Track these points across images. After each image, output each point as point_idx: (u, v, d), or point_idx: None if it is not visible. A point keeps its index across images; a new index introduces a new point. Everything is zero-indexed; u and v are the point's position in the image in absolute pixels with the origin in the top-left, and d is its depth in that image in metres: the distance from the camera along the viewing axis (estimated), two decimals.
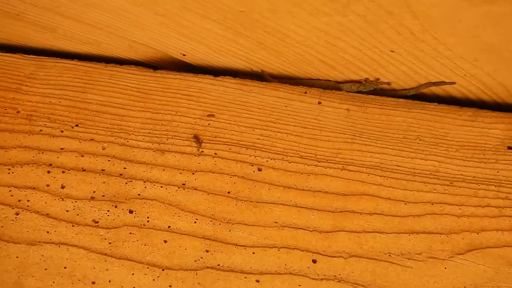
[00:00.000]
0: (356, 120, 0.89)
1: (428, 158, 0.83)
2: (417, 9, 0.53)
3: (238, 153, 0.89)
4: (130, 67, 1.00)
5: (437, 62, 0.71)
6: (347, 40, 0.69)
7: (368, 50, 0.72)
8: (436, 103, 0.88)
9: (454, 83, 0.81)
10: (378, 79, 0.88)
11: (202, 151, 0.90)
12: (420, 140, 0.85)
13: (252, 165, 0.88)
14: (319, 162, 0.86)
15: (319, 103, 0.92)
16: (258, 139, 0.90)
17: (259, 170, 0.87)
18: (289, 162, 0.87)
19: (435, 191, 0.80)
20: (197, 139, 0.92)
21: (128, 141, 0.92)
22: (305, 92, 0.93)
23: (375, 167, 0.84)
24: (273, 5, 0.59)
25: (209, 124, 0.92)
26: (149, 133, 0.93)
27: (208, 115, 0.93)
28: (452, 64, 0.71)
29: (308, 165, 0.86)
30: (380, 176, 0.83)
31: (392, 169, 0.83)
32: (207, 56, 0.94)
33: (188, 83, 0.97)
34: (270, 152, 0.88)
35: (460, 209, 0.78)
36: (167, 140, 0.92)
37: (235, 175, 0.87)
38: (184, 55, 0.96)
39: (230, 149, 0.90)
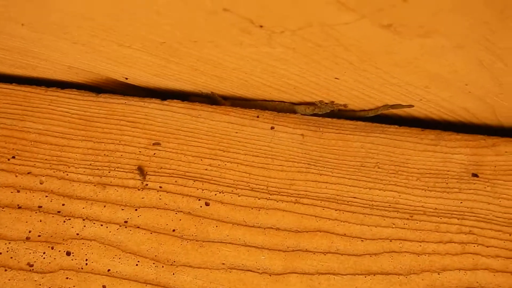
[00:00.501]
0: (311, 147, 0.82)
1: (387, 188, 0.76)
2: (347, 43, 0.47)
3: (185, 186, 0.82)
4: (71, 91, 0.93)
5: (387, 88, 0.64)
6: (285, 68, 0.62)
7: (311, 77, 0.65)
8: (396, 126, 0.81)
9: (412, 106, 0.74)
10: (333, 101, 0.81)
11: (147, 184, 0.83)
12: (379, 168, 0.78)
13: (199, 199, 0.81)
14: (270, 195, 0.79)
15: (272, 128, 0.85)
16: (206, 169, 0.83)
17: (207, 204, 0.81)
18: (239, 196, 0.80)
19: (394, 226, 0.73)
20: (141, 171, 0.85)
21: (67, 174, 0.85)
22: (257, 116, 0.86)
23: (330, 200, 0.77)
24: (190, 36, 0.52)
25: (154, 154, 0.86)
26: (90, 165, 0.86)
27: (153, 144, 0.86)
28: (403, 90, 0.64)
29: (259, 199, 0.79)
30: (336, 210, 0.76)
31: (348, 202, 0.77)
32: (149, 79, 0.87)
33: (133, 108, 0.90)
34: (219, 184, 0.81)
35: (421, 245, 0.71)
36: (109, 172, 0.85)
37: (181, 211, 0.81)
38: (126, 78, 0.89)
39: (176, 181, 0.83)
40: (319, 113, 0.84)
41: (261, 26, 0.43)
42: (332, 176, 0.79)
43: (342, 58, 0.52)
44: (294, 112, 0.88)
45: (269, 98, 0.88)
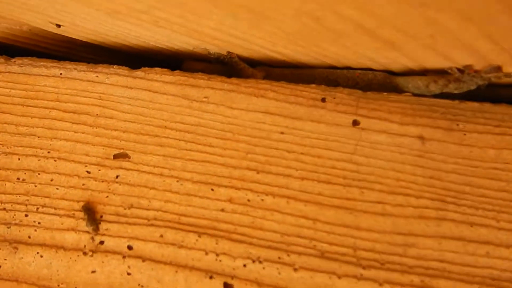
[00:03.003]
0: (441, 163, 0.40)
1: None
2: None
3: (181, 246, 0.40)
4: None
5: None
6: None
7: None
8: None
9: None
10: (496, 66, 0.38)
11: (101, 242, 0.41)
12: None
13: (210, 277, 0.39)
14: (364, 268, 0.37)
15: (356, 123, 0.42)
16: (223, 210, 0.41)
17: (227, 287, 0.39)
18: (295, 269, 0.38)
19: None
20: (89, 213, 0.42)
21: None
22: (323, 99, 0.43)
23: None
24: None
25: (117, 176, 0.43)
26: None
27: (115, 156, 0.44)
28: None
29: (337, 276, 0.37)
30: None
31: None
32: (100, 28, 0.43)
33: (74, 85, 0.47)
34: (250, 244, 0.39)
35: None
36: (27, 216, 0.42)
37: None
38: (58, 25, 0.46)
39: (162, 236, 0.41)
40: (455, 91, 0.42)
41: None
42: (499, 230, 0.37)
43: None
44: (397, 90, 0.45)
45: (341, 64, 0.45)
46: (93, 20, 0.41)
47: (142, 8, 0.34)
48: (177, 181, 0.42)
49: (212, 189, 0.42)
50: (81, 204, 0.42)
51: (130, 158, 0.43)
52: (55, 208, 0.42)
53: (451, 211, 0.38)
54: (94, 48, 0.55)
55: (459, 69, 0.40)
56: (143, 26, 0.41)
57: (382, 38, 0.34)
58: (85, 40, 0.51)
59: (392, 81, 0.44)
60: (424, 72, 0.43)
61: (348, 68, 0.46)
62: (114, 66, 0.47)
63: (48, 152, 0.44)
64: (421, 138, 0.41)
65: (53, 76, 0.48)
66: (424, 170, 0.40)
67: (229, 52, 0.47)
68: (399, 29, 0.31)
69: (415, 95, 0.43)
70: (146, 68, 0.47)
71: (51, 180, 0.43)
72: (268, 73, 0.50)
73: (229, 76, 0.47)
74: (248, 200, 0.41)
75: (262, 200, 0.41)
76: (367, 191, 0.40)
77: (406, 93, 0.43)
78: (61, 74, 0.48)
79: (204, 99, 0.45)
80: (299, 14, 0.30)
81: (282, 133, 0.43)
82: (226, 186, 0.42)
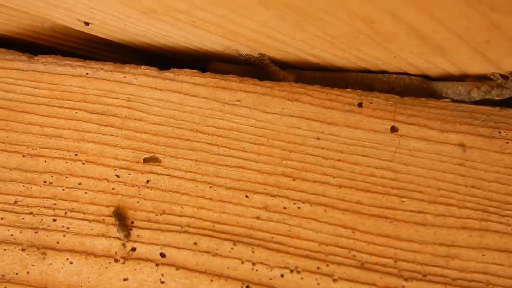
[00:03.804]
0: (485, 173, 0.39)
1: None
2: None
3: (215, 254, 0.39)
4: None
5: None
6: None
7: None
8: None
9: None
10: None
11: (133, 249, 0.40)
12: None
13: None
14: (405, 279, 0.37)
15: (394, 129, 0.41)
16: (258, 218, 0.40)
17: None
18: (334, 280, 0.37)
19: None
20: (120, 219, 0.41)
21: None
22: (360, 104, 0.42)
23: None
24: None
25: (148, 181, 0.42)
26: (15, 203, 0.41)
27: (145, 160, 0.43)
28: None
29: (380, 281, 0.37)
30: None
31: None
32: (139, 26, 0.42)
33: (101, 85, 0.45)
34: (287, 253, 0.38)
35: None
36: (55, 221, 0.41)
37: None
38: (87, 24, 0.44)
39: (195, 243, 0.40)
40: (497, 98, 0.41)
41: None
42: None
43: None
44: (434, 95, 0.44)
45: (376, 68, 0.43)
46: (125, 18, 0.39)
47: (183, 8, 0.33)
48: (210, 187, 0.41)
49: (246, 196, 0.41)
50: (111, 209, 0.41)
51: (161, 162, 0.42)
52: (84, 213, 0.41)
53: (495, 221, 0.37)
54: (117, 47, 0.53)
55: (502, 75, 0.39)
56: (178, 26, 0.39)
57: (432, 43, 0.33)
58: (110, 39, 0.49)
59: (429, 86, 0.43)
60: (462, 78, 0.42)
61: (383, 72, 0.45)
62: (142, 67, 0.46)
63: (76, 155, 0.43)
64: (462, 145, 0.40)
65: (79, 75, 0.46)
66: (466, 179, 0.39)
67: (261, 54, 0.46)
68: (455, 33, 0.30)
69: (454, 101, 0.42)
70: (176, 69, 0.46)
71: (79, 183, 0.42)
72: (298, 76, 0.48)
73: (259, 77, 0.46)
74: (284, 208, 0.40)
75: (299, 208, 0.40)
76: (407, 200, 0.39)
77: (445, 99, 0.42)
78: (87, 73, 0.46)
79: (236, 102, 0.43)
80: (353, 16, 0.29)
81: (318, 138, 0.42)
82: (261, 193, 0.41)
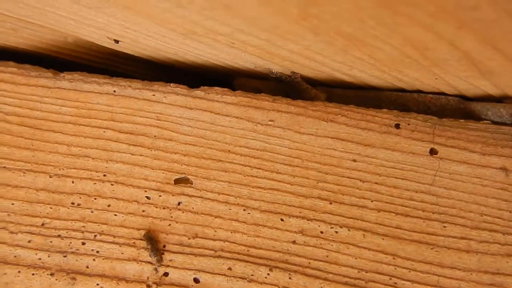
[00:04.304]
0: None
1: None
2: None
3: (254, 281, 0.38)
4: (5, 66, 0.46)
5: None
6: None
7: None
8: None
9: None
10: None
11: (166, 274, 0.39)
12: None
13: None
14: None
15: (433, 152, 0.40)
16: (295, 242, 0.39)
17: None
18: None
19: None
20: (152, 243, 0.40)
21: None
22: (397, 126, 0.41)
23: None
24: None
25: (179, 203, 0.41)
26: (42, 225, 0.40)
27: (176, 181, 0.41)
28: None
29: None
30: None
31: None
32: (172, 45, 0.41)
33: (130, 103, 0.44)
34: (326, 279, 0.37)
35: None
36: (84, 245, 0.40)
37: None
38: (116, 41, 0.43)
39: (230, 269, 0.38)
40: None
41: None
42: None
43: None
44: (473, 116, 0.43)
45: (413, 88, 0.43)
46: (160, 38, 0.38)
47: (226, 31, 0.32)
48: (244, 210, 0.40)
49: (281, 219, 0.40)
50: (142, 232, 0.40)
51: (192, 183, 0.41)
52: (114, 236, 0.40)
53: None
54: (143, 62, 0.52)
55: None
56: (214, 46, 0.38)
57: (483, 68, 0.32)
58: (138, 56, 0.48)
59: (466, 106, 0.42)
60: (501, 99, 0.41)
61: (419, 91, 0.44)
62: (171, 85, 0.45)
63: (104, 176, 0.42)
64: (504, 169, 0.39)
65: (106, 93, 0.45)
66: (509, 204, 0.38)
67: (293, 72, 0.45)
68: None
69: (494, 123, 0.41)
70: (206, 87, 0.45)
71: (108, 205, 0.41)
72: (329, 94, 0.48)
73: (286, 93, 0.45)
74: (321, 232, 0.39)
75: (336, 232, 0.39)
76: (449, 225, 0.38)
77: (485, 121, 0.41)
78: (114, 91, 0.45)
79: (269, 122, 0.42)
80: (407, 43, 0.28)
81: (354, 160, 0.41)
82: (296, 217, 0.39)
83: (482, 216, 0.38)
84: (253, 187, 0.41)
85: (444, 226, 0.38)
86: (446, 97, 0.43)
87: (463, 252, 0.37)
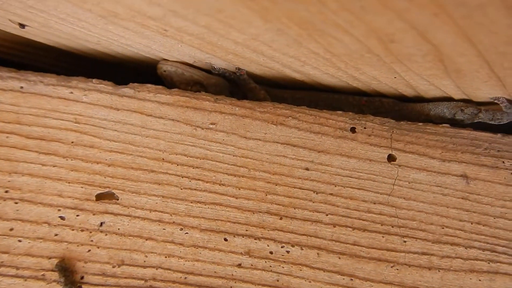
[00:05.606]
0: (490, 208, 0.35)
1: None
2: None
3: None
4: None
5: None
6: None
7: None
8: None
9: None
10: None
11: None
12: None
13: None
14: None
15: (391, 158, 0.37)
16: (240, 266, 0.33)
17: None
18: None
19: None
20: (66, 276, 0.33)
21: None
22: (352, 129, 0.37)
23: None
24: None
25: (102, 224, 0.34)
26: None
27: (98, 197, 0.34)
28: None
29: None
30: None
31: None
32: (92, 32, 0.34)
33: (38, 101, 0.37)
34: None
35: None
36: None
37: None
38: (22, 26, 0.35)
39: None
40: (491, 122, 0.37)
41: None
42: None
43: None
44: (429, 119, 0.40)
45: (368, 88, 0.39)
46: (75, 22, 0.31)
47: (156, 14, 0.26)
48: (181, 229, 0.34)
49: (225, 239, 0.34)
50: (54, 261, 0.33)
51: (118, 199, 0.34)
52: (17, 268, 0.32)
53: (504, 262, 0.34)
54: (58, 53, 0.44)
55: (508, 100, 0.35)
56: (143, 34, 0.32)
57: (450, 66, 0.28)
58: (51, 45, 0.40)
59: (402, 108, 0.39)
60: (449, 99, 0.39)
61: (354, 94, 0.40)
62: (94, 80, 0.38)
63: (6, 192, 0.34)
64: (465, 177, 0.36)
65: (11, 90, 0.37)
66: (471, 214, 0.35)
67: (238, 69, 0.39)
68: (483, 58, 0.26)
69: (454, 125, 0.38)
70: (136, 84, 0.38)
71: (11, 229, 0.33)
72: (268, 93, 0.43)
73: (238, 96, 0.40)
74: (271, 253, 0.34)
75: (288, 252, 0.34)
76: (409, 239, 0.34)
77: (444, 125, 0.38)
78: (21, 88, 0.37)
79: (211, 126, 0.37)
80: (371, 34, 0.24)
81: (307, 169, 0.36)
82: (242, 235, 0.34)
83: (443, 228, 0.35)
84: (191, 202, 0.35)
85: (404, 241, 0.34)
86: (380, 99, 0.40)
87: (425, 269, 0.34)
